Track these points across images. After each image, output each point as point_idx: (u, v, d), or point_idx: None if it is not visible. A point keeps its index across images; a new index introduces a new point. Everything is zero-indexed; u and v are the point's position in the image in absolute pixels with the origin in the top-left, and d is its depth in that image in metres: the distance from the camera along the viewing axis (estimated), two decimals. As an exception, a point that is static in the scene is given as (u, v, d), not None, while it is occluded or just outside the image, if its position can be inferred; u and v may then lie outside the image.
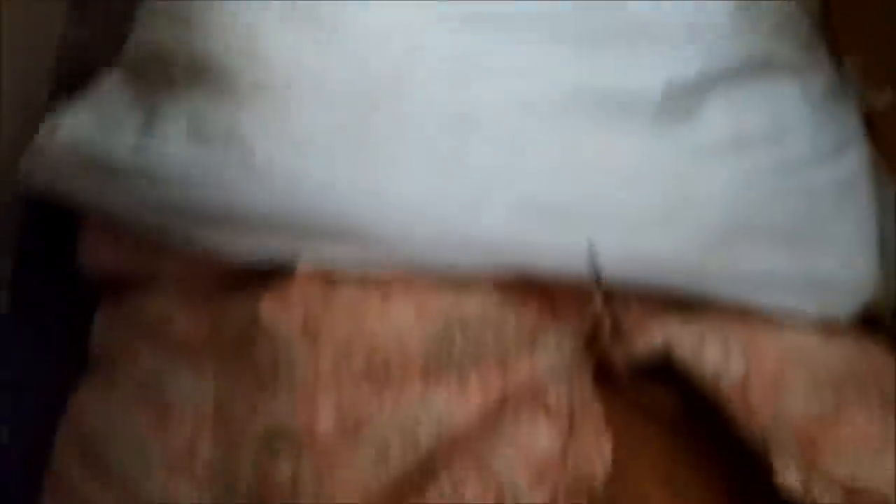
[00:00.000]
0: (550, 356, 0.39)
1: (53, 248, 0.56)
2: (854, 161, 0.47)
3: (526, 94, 0.40)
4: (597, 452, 0.36)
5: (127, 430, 0.44)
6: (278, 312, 0.40)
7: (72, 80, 0.54)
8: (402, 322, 0.39)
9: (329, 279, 0.40)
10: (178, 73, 0.43)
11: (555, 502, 0.34)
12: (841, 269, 0.44)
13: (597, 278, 0.38)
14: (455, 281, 0.40)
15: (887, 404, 0.40)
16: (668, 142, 0.42)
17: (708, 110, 0.43)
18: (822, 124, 0.47)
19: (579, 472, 0.35)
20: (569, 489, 0.34)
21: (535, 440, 0.36)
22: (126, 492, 0.42)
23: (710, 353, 0.40)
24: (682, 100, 0.43)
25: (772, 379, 0.40)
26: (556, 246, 0.40)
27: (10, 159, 0.53)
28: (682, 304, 0.42)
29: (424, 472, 0.36)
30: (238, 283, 0.44)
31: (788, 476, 0.38)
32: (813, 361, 0.41)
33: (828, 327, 0.43)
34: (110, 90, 0.49)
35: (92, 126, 0.47)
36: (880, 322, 0.48)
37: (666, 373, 0.40)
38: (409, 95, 0.40)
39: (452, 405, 0.37)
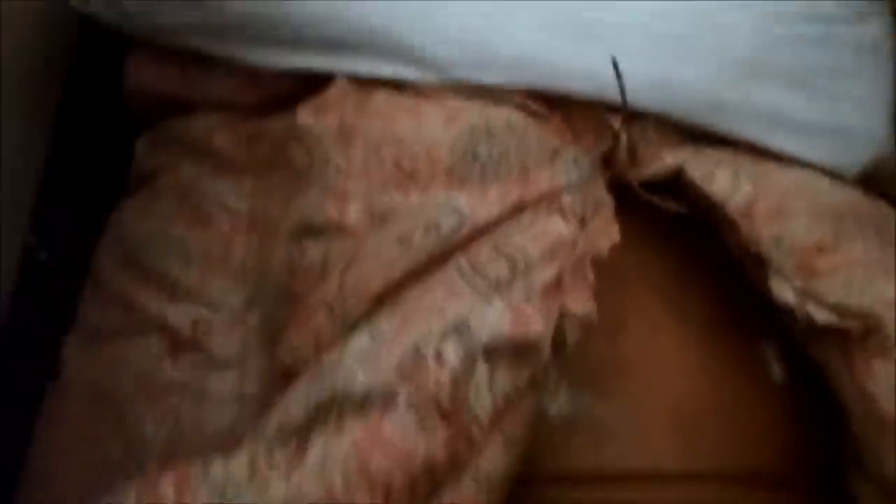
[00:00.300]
0: (569, 171, 0.41)
1: (102, 79, 0.58)
2: (878, 28, 0.49)
3: None
4: (605, 236, 0.38)
5: (166, 233, 0.47)
6: (314, 115, 0.43)
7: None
8: (431, 128, 0.41)
9: (364, 87, 0.43)
10: None
11: (562, 275, 0.37)
12: (854, 120, 0.46)
13: (620, 93, 0.40)
14: (482, 95, 0.42)
15: (883, 238, 0.42)
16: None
17: None
18: (849, -9, 0.48)
19: (587, 251, 0.38)
20: (576, 265, 0.37)
21: (548, 229, 0.38)
22: (164, 287, 0.45)
23: (720, 178, 0.42)
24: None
25: (776, 206, 0.41)
26: (582, 68, 0.42)
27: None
28: (698, 137, 0.44)
29: (443, 256, 0.38)
30: (279, 103, 0.47)
31: (785, 295, 0.40)
32: (817, 196, 0.43)
33: (835, 174, 0.46)
34: None
35: None
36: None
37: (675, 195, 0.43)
38: None
39: (474, 205, 0.40)
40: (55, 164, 0.62)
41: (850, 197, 0.44)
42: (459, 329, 0.32)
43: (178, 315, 0.44)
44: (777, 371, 0.42)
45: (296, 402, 0.32)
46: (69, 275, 0.54)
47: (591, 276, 0.36)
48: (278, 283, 0.42)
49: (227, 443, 0.37)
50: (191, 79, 0.50)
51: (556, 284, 0.35)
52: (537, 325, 0.32)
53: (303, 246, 0.41)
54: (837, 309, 0.39)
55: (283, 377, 0.38)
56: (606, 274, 0.42)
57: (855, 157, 0.46)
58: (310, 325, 0.39)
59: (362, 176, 0.41)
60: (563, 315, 0.34)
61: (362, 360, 0.32)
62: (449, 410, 0.30)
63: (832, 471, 0.41)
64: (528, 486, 0.39)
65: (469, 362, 0.31)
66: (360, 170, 0.41)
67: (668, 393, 0.40)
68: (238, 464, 0.28)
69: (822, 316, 0.39)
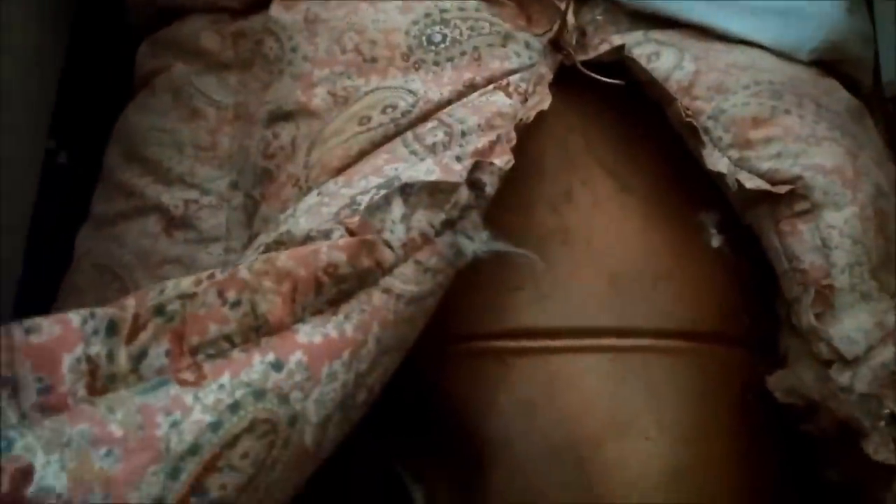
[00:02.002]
0: (520, 55, 0.44)
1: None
2: None
3: None
4: (538, 105, 0.41)
5: (162, 127, 0.51)
6: (284, 8, 0.46)
7: None
8: (389, 15, 0.44)
9: (330, -18, 0.46)
10: None
11: (496, 142, 0.40)
12: (804, 1, 0.47)
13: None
14: (439, -15, 0.45)
15: (821, 112, 0.44)
16: None
17: None
18: None
19: (522, 121, 0.41)
20: (508, 136, 0.40)
21: (491, 104, 0.41)
22: (160, 174, 0.50)
23: (665, 57, 0.44)
24: None
25: (717, 81, 0.44)
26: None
27: None
28: (647, 21, 0.46)
29: (398, 133, 0.42)
30: (261, 4, 0.50)
31: (718, 164, 0.43)
32: (759, 73, 0.44)
33: (785, 55, 0.47)
34: None
35: None
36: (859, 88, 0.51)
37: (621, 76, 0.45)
38: None
39: (429, 87, 0.43)
40: (72, 73, 0.66)
41: (794, 73, 0.45)
42: (391, 182, 0.35)
43: (173, 198, 0.48)
44: (715, 238, 0.44)
45: (251, 249, 0.37)
46: (87, 175, 0.59)
47: (514, 137, 0.39)
48: (255, 164, 0.46)
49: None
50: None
51: (489, 149, 0.38)
52: (455, 175, 0.36)
53: (276, 130, 0.45)
54: (767, 176, 0.42)
55: None
56: (556, 152, 0.46)
57: (806, 37, 0.47)
58: (280, 198, 0.43)
59: (326, 63, 0.44)
60: (477, 164, 0.37)
61: (308, 212, 0.36)
62: (356, 230, 0.34)
63: (766, 330, 0.44)
64: (475, 341, 0.43)
65: (384, 199, 0.35)
66: (325, 57, 0.45)
67: (607, 259, 0.43)
68: (187, 282, 0.32)
69: (752, 183, 0.42)
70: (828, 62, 0.49)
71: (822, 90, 0.45)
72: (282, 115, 0.45)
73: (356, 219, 0.34)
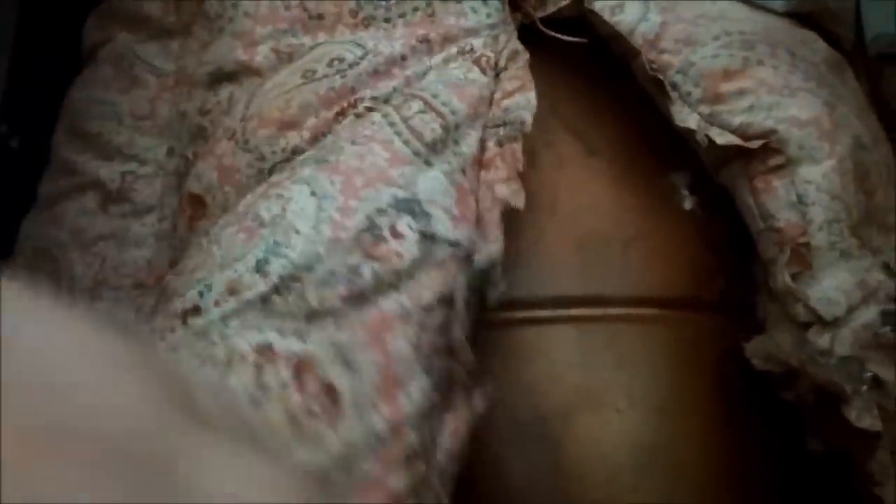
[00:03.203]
0: (476, 12, 0.42)
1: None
2: None
3: None
4: (524, 100, 0.38)
5: (102, 99, 0.48)
6: (226, -33, 0.44)
7: None
8: (335, -31, 0.42)
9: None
10: None
11: (485, 141, 0.37)
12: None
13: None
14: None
15: (796, 61, 0.41)
16: None
17: None
18: None
19: (509, 116, 0.38)
20: (503, 135, 0.38)
21: (470, 84, 0.38)
22: (99, 148, 0.47)
23: (629, 9, 0.42)
24: None
25: (685, 32, 0.41)
26: None
27: None
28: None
29: (346, 89, 0.39)
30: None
31: (687, 120, 0.40)
32: (729, 24, 0.42)
33: (759, 5, 0.45)
34: None
35: None
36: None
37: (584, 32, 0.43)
38: None
39: (378, 42, 0.40)
40: (23, 57, 0.63)
41: (767, 23, 0.43)
42: (409, 204, 0.33)
43: (110, 172, 0.46)
44: (687, 200, 0.42)
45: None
46: (39, 160, 0.57)
47: (519, 159, 0.37)
48: (191, 124, 0.44)
49: (146, 276, 0.41)
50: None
51: (480, 153, 0.37)
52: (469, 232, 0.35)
53: (216, 90, 0.43)
54: (740, 131, 0.39)
55: (188, 205, 0.40)
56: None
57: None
58: (214, 153, 0.40)
59: (270, 20, 0.42)
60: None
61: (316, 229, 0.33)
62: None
63: (743, 295, 0.42)
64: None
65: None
66: (268, 14, 0.42)
67: (573, 224, 0.41)
68: None
69: (723, 138, 0.39)
70: (805, 15, 0.47)
71: (798, 40, 0.43)
72: (224, 76, 0.43)
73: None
